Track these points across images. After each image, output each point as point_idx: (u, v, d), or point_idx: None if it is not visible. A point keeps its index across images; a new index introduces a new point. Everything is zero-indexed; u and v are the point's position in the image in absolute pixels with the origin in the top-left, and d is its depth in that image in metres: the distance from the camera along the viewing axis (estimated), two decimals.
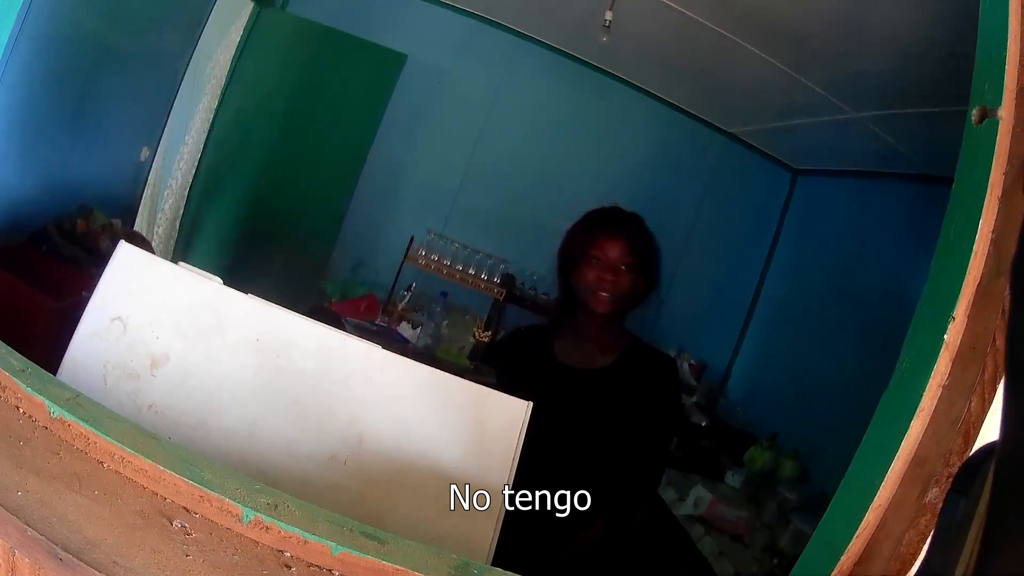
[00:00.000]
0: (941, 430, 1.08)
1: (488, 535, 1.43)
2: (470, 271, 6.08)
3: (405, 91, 6.09)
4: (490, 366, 3.09)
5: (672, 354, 5.87)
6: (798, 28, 4.05)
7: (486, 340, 5.66)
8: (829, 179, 6.16)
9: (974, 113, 1.15)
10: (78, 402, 1.23)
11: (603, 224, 2.82)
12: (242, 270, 4.72)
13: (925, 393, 1.11)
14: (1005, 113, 1.11)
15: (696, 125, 6.39)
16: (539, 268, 6.22)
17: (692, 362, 6.20)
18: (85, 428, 1.17)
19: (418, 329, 5.62)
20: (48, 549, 0.95)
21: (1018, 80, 1.12)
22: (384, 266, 6.25)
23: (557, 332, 2.88)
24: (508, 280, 6.16)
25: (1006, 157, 1.11)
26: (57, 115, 3.79)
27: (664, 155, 6.47)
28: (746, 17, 4.22)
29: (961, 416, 1.04)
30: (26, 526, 0.97)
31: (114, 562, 0.95)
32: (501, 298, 6.10)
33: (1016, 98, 1.11)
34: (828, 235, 5.71)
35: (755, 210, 6.51)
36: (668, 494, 4.52)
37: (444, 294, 5.98)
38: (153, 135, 5.18)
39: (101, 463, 1.16)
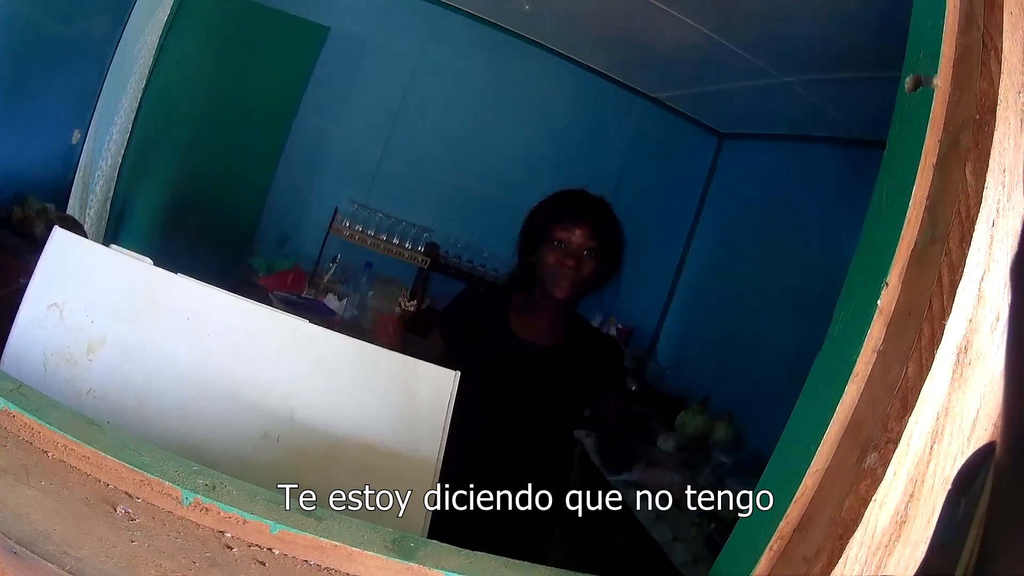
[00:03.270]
0: (877, 395, 1.09)
1: (422, 509, 1.43)
2: (394, 240, 6.11)
3: (327, 62, 6.11)
4: (443, 326, 3.10)
5: (599, 319, 5.92)
6: None
7: (412, 309, 5.67)
8: (756, 142, 6.23)
9: (907, 81, 1.15)
10: (21, 392, 1.22)
11: (569, 208, 2.82)
12: (171, 249, 4.70)
13: (859, 358, 1.12)
14: (941, 82, 1.12)
15: (619, 90, 6.45)
16: (463, 236, 6.24)
17: (619, 326, 6.24)
18: (29, 418, 1.16)
19: (344, 301, 5.62)
20: (3, 543, 0.95)
21: (956, 49, 1.13)
22: (309, 238, 6.27)
23: (511, 304, 2.90)
24: (432, 249, 6.16)
25: (942, 125, 1.12)
26: None
27: (587, 121, 6.51)
28: None
29: (898, 382, 1.05)
30: None
31: (64, 552, 0.95)
32: (426, 267, 6.11)
33: (953, 67, 1.13)
34: (756, 199, 5.77)
35: (681, 174, 6.57)
36: (599, 460, 4.55)
37: (369, 264, 5.99)
38: (84, 118, 5.13)
39: (46, 452, 1.15)
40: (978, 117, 1.07)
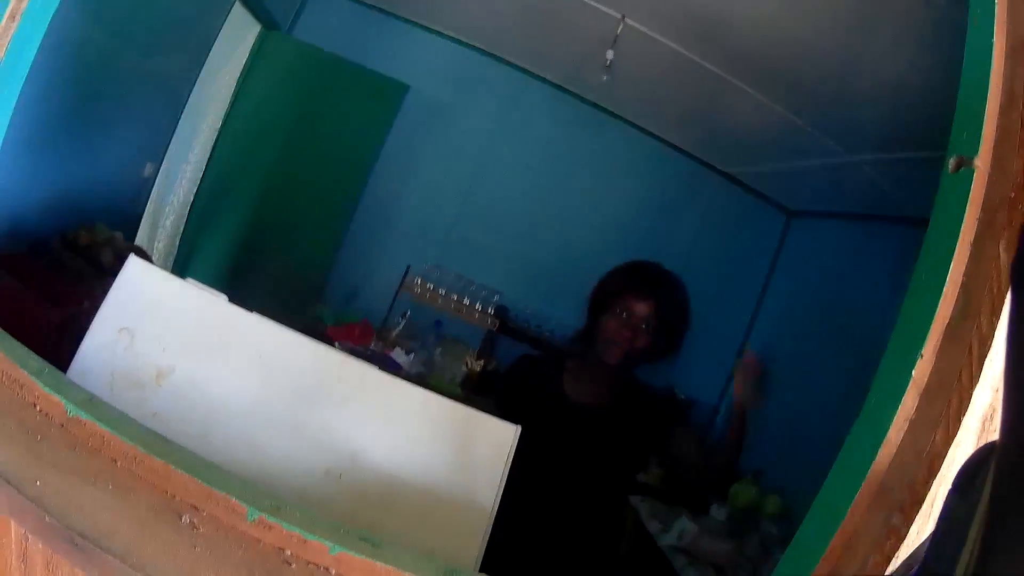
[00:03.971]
0: (906, 460, 1.12)
1: (473, 553, 1.46)
2: (464, 301, 6.11)
3: (405, 120, 6.16)
4: (497, 389, 3.12)
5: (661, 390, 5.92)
6: (794, 71, 4.10)
7: (478, 369, 5.68)
8: (823, 221, 6.17)
9: (951, 161, 1.19)
10: (93, 403, 1.28)
11: (639, 280, 2.84)
12: (237, 291, 4.76)
13: (892, 426, 1.15)
14: (981, 163, 1.15)
15: (692, 164, 6.43)
16: (531, 301, 6.25)
17: (681, 398, 6.21)
18: (100, 428, 1.23)
19: (411, 356, 5.64)
20: (65, 535, 1.01)
21: (996, 131, 1.16)
22: (379, 294, 6.30)
23: (566, 366, 2.92)
24: (501, 311, 6.18)
25: (980, 205, 1.15)
26: (64, 129, 3.81)
27: (659, 193, 6.51)
28: (743, 59, 4.28)
29: (926, 448, 1.08)
30: (44, 513, 1.02)
31: (127, 550, 1.01)
32: (495, 329, 6.11)
33: (993, 148, 1.16)
34: (821, 276, 5.73)
35: (749, 250, 6.53)
36: (653, 525, 4.55)
37: (438, 323, 6.01)
38: (158, 152, 5.20)
39: (115, 461, 1.20)
40: (1013, 195, 1.10)
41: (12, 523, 1.07)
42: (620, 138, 6.42)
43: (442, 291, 6.12)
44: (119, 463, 1.21)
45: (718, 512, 4.86)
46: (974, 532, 0.85)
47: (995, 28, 1.20)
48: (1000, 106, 1.18)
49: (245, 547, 1.13)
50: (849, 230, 5.64)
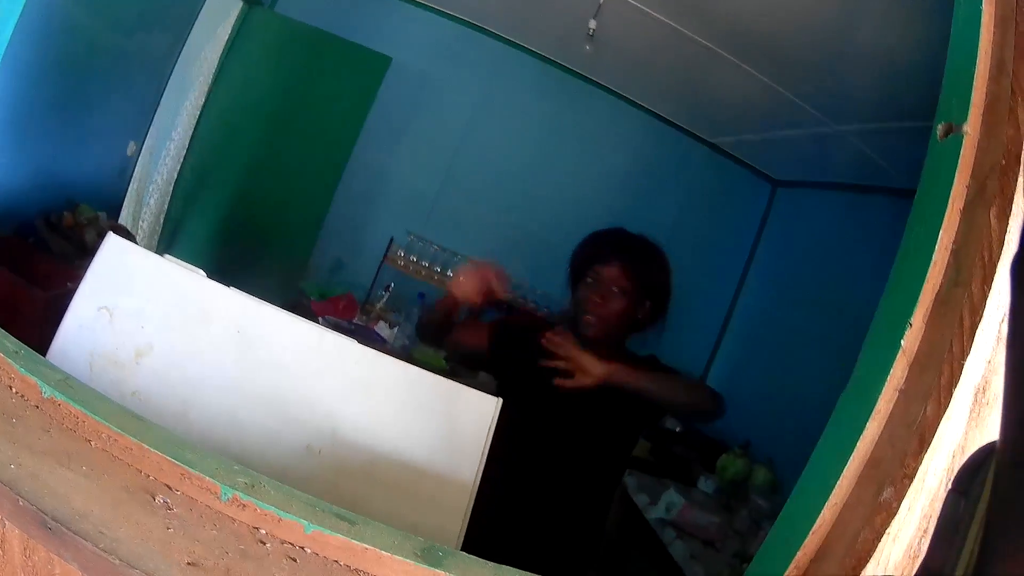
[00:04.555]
0: (897, 433, 1.10)
1: (456, 527, 1.46)
2: (448, 273, 6.09)
3: (389, 94, 6.12)
4: (492, 345, 3.08)
5: None
6: (781, 42, 4.09)
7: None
8: (810, 191, 6.17)
9: (939, 128, 1.18)
10: (68, 383, 1.26)
11: (603, 246, 2.82)
12: (223, 267, 4.73)
13: (881, 396, 1.13)
14: (971, 128, 1.13)
15: (678, 135, 6.43)
16: (516, 272, 6.23)
17: (664, 366, 6.23)
18: (75, 408, 1.20)
19: (395, 329, 5.64)
20: (38, 518, 0.99)
21: (985, 97, 1.15)
22: (363, 267, 6.31)
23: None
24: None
25: (970, 171, 1.14)
26: (47, 109, 3.80)
27: (645, 164, 6.51)
28: (729, 29, 4.26)
29: (917, 420, 1.06)
30: (18, 497, 1.00)
31: (100, 532, 0.99)
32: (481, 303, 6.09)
33: (983, 114, 1.14)
34: (807, 246, 5.74)
35: (735, 220, 6.56)
36: (640, 498, 4.55)
37: (422, 295, 6.01)
38: (140, 131, 5.19)
39: (89, 441, 1.19)
40: (1004, 163, 1.09)
41: None
42: (605, 109, 6.43)
43: (425, 263, 6.12)
44: (93, 443, 1.19)
45: (706, 485, 4.87)
46: (974, 532, 0.84)
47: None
48: (989, 73, 1.17)
49: (219, 527, 1.11)
50: (836, 200, 5.65)
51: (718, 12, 4.12)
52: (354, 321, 5.59)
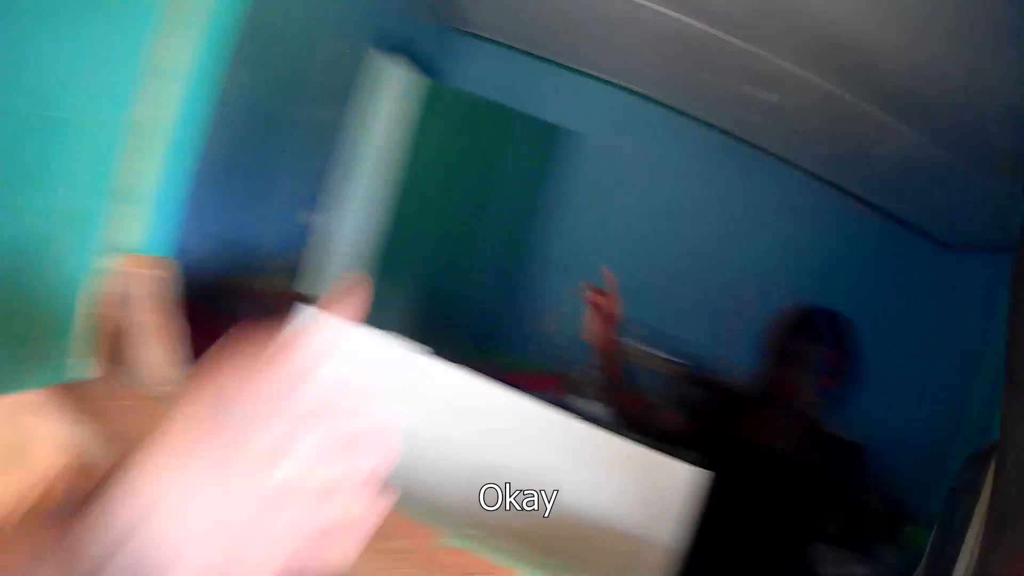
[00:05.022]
0: None
1: None
2: (651, 351, 6.14)
3: (571, 168, 6.34)
4: (686, 435, 3.12)
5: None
6: (937, 99, 4.11)
7: (667, 417, 5.71)
8: (985, 254, 6.04)
9: None
10: None
11: (808, 325, 2.87)
12: (417, 339, 4.80)
13: None
14: None
15: (849, 200, 6.49)
16: (718, 350, 6.25)
17: (856, 440, 6.13)
18: None
19: (600, 405, 5.68)
20: None
21: None
22: (563, 342, 6.36)
23: (748, 409, 2.93)
24: (686, 357, 6.21)
25: None
26: (225, 179, 3.94)
27: (822, 234, 6.54)
28: (888, 92, 4.35)
29: None
30: None
31: None
32: (684, 379, 6.10)
33: None
34: (986, 311, 5.61)
35: (912, 286, 6.45)
36: (827, 569, 4.48)
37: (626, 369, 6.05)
38: (323, 201, 5.33)
39: None
40: None
41: None
42: (777, 174, 6.47)
43: (629, 340, 6.15)
44: None
45: (887, 555, 4.76)
46: (975, 531, 0.93)
47: None
48: None
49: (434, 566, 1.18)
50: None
51: (879, 75, 4.15)
52: (558, 396, 5.61)
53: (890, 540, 4.92)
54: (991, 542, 0.81)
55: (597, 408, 5.44)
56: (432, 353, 1.74)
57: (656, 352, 6.14)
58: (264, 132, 4.21)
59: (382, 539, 1.22)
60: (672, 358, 6.13)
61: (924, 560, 1.01)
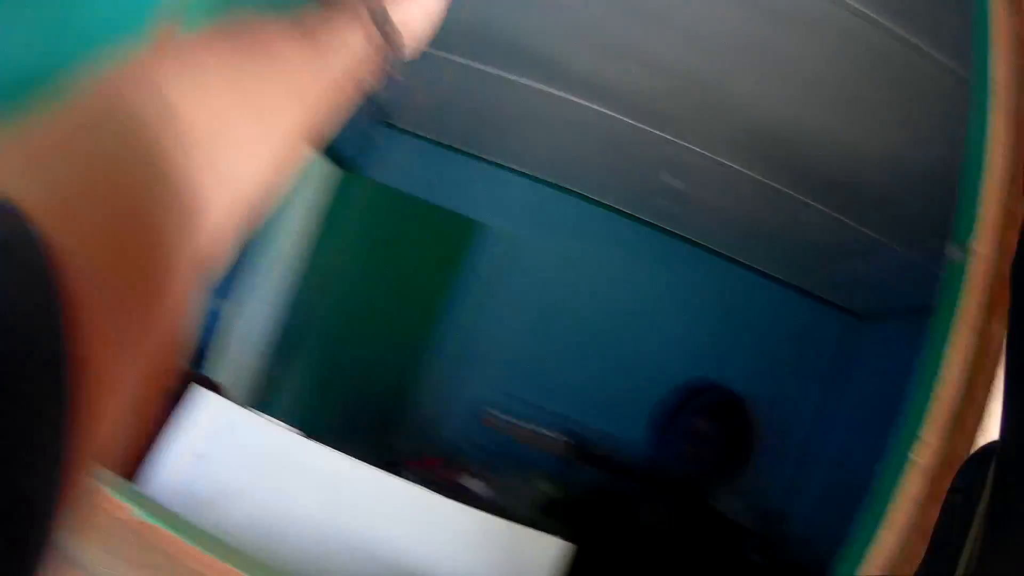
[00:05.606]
0: (910, 540, 1.18)
1: None
2: (538, 429, 6.11)
3: (481, 256, 6.33)
4: (573, 515, 3.15)
5: (733, 502, 5.90)
6: (844, 175, 4.22)
7: (553, 495, 5.68)
8: (895, 321, 6.07)
9: (953, 249, 1.25)
10: (159, 509, 1.38)
11: (692, 400, 2.89)
12: (316, 426, 4.77)
13: (898, 508, 1.22)
14: (980, 248, 1.21)
15: (759, 278, 6.48)
16: (604, 426, 6.25)
17: (757, 507, 6.15)
18: (165, 530, 1.33)
19: (486, 484, 5.66)
20: None
21: (995, 217, 1.21)
22: (456, 425, 6.34)
23: (639, 491, 2.94)
24: (575, 437, 6.19)
25: (981, 290, 1.20)
26: None
27: (733, 312, 6.46)
28: (798, 172, 4.41)
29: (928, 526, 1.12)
30: None
31: None
32: (569, 455, 6.11)
33: (992, 233, 1.21)
34: (898, 377, 5.65)
35: (820, 359, 6.49)
36: None
37: (514, 452, 6.03)
38: (228, 288, 5.34)
39: (187, 565, 1.31)
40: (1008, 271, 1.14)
41: None
42: (684, 257, 6.51)
43: (515, 420, 6.15)
44: (191, 567, 1.31)
45: None
46: (974, 532, 0.88)
47: (994, 106, 1.25)
48: (999, 191, 1.24)
49: None
50: (920, 325, 5.56)
51: (788, 156, 4.24)
52: (447, 478, 5.61)
53: None
54: (991, 542, 0.84)
55: (479, 486, 5.48)
56: (323, 440, 1.77)
57: (546, 432, 6.13)
58: None
59: None
60: (563, 437, 6.13)
61: (924, 560, 1.04)
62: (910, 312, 5.76)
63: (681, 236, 6.44)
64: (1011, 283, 0.93)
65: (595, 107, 4.66)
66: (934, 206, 4.02)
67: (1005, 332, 1.11)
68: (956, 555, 0.89)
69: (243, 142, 0.59)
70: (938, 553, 0.97)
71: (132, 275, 0.46)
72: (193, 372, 4.65)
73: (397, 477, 1.73)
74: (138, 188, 0.47)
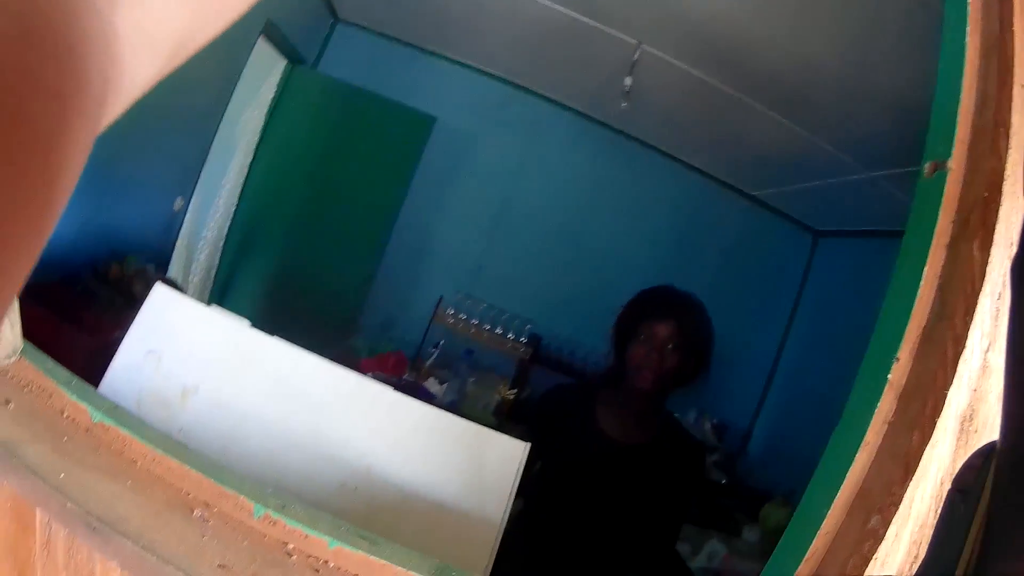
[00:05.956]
0: (884, 463, 1.14)
1: (482, 566, 1.50)
2: (497, 331, 6.18)
3: (434, 152, 6.23)
4: (529, 418, 3.15)
5: (694, 415, 5.95)
6: (806, 89, 4.17)
7: (511, 398, 5.69)
8: (849, 239, 6.20)
9: (926, 166, 1.21)
10: (116, 411, 1.36)
11: (655, 303, 2.86)
12: (272, 322, 4.77)
13: (870, 428, 1.17)
14: (955, 164, 1.17)
15: (717, 188, 6.52)
16: (564, 329, 6.28)
17: (714, 422, 6.23)
18: (123, 432, 1.30)
19: (444, 385, 5.66)
20: (84, 520, 1.08)
21: (970, 132, 1.19)
22: (412, 325, 6.39)
23: (599, 398, 2.93)
24: (533, 340, 6.25)
25: (955, 206, 1.17)
26: (93, 164, 3.89)
27: (686, 218, 6.59)
28: (757, 80, 4.35)
29: (903, 450, 1.10)
30: (66, 500, 1.10)
31: (140, 534, 1.08)
32: (527, 358, 6.17)
33: (968, 150, 1.18)
34: (849, 295, 5.72)
35: (777, 271, 6.59)
36: (683, 548, 4.56)
37: (470, 352, 6.06)
38: (187, 187, 5.26)
39: (135, 462, 1.28)
40: (987, 195, 1.13)
41: (37, 512, 1.14)
42: (645, 163, 6.53)
43: (474, 321, 6.18)
44: (139, 463, 1.29)
45: (750, 534, 4.88)
46: (974, 532, 0.88)
47: (968, 27, 1.23)
48: (974, 107, 1.21)
49: (250, 539, 1.20)
50: (876, 247, 5.62)
51: (748, 64, 4.19)
52: (404, 378, 5.63)
53: (749, 517, 5.05)
54: (991, 542, 0.83)
55: (436, 386, 5.50)
56: (279, 336, 1.74)
57: (501, 333, 6.15)
58: (129, 119, 4.10)
59: (187, 508, 1.26)
60: (521, 339, 6.15)
61: (924, 560, 1.02)
62: (864, 233, 5.81)
63: (640, 140, 6.42)
64: (1011, 283, 0.92)
65: (551, 4, 4.59)
66: (890, 129, 4.07)
67: (986, 258, 1.09)
68: (956, 555, 0.89)
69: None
70: (938, 553, 0.96)
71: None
72: (159, 274, 4.63)
73: (357, 373, 1.70)
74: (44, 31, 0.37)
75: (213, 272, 5.84)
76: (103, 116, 0.46)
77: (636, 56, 4.54)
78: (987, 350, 1.09)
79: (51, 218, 0.38)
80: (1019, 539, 0.80)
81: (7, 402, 1.34)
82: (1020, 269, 0.90)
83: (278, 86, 5.94)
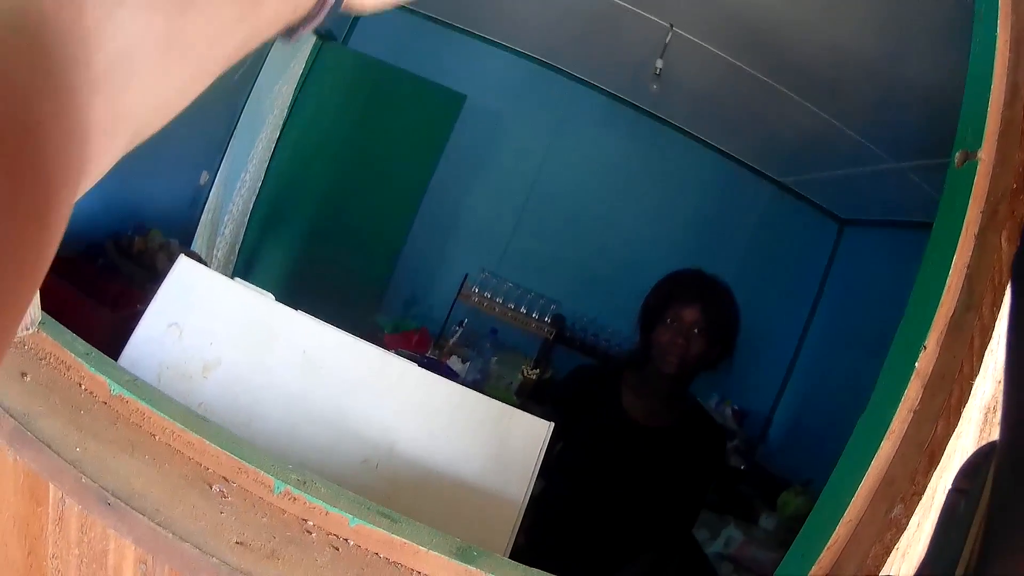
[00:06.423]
0: (909, 452, 1.13)
1: (503, 542, 1.50)
2: (521, 310, 6.16)
3: (464, 131, 6.18)
4: (553, 398, 3.15)
5: (716, 399, 5.92)
6: (837, 78, 4.15)
7: (533, 378, 5.68)
8: (874, 229, 6.19)
9: (956, 156, 1.20)
10: (136, 384, 1.35)
11: (683, 287, 2.85)
12: (297, 297, 4.77)
13: (895, 417, 1.17)
14: (984, 155, 1.17)
15: (746, 173, 6.49)
16: (588, 310, 6.26)
17: (735, 408, 6.22)
18: (142, 405, 1.30)
19: (467, 364, 5.65)
20: (99, 495, 1.08)
21: (1000, 124, 1.18)
22: (437, 302, 6.39)
23: (624, 380, 2.92)
24: (558, 321, 6.23)
25: (984, 197, 1.17)
26: None
27: (713, 201, 6.55)
28: (789, 67, 4.33)
29: (928, 439, 1.09)
30: (81, 474, 1.10)
31: (156, 510, 1.08)
32: (551, 338, 6.16)
33: (997, 141, 1.17)
34: (873, 285, 5.69)
35: (802, 259, 6.58)
36: (701, 533, 4.56)
37: (494, 331, 6.04)
38: (213, 162, 5.27)
39: (153, 435, 1.28)
40: (1015, 186, 1.12)
41: (51, 487, 1.14)
42: (674, 147, 6.50)
43: (499, 300, 6.17)
44: (157, 437, 1.29)
45: (767, 521, 4.86)
46: (974, 532, 0.86)
47: (999, 20, 1.21)
48: (1004, 98, 1.20)
49: (269, 515, 1.19)
50: (901, 238, 5.59)
51: (780, 50, 4.18)
52: (427, 355, 5.63)
53: (767, 505, 5.03)
54: (991, 542, 0.82)
55: (459, 365, 5.48)
56: (292, 307, 1.73)
57: (525, 312, 6.14)
58: None
59: (205, 483, 1.26)
60: (546, 319, 6.13)
61: (924, 560, 1.02)
62: (889, 223, 5.78)
63: (670, 123, 6.39)
64: (1011, 283, 0.91)
65: None
66: (919, 120, 4.04)
67: (1013, 249, 1.08)
68: (956, 555, 0.88)
69: (155, 75, 0.52)
70: (938, 553, 0.95)
71: None
72: (182, 248, 4.63)
73: (382, 349, 1.70)
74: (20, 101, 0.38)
75: (237, 247, 5.84)
76: (62, 201, 0.45)
77: (668, 39, 4.52)
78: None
79: None
80: (1019, 539, 0.79)
81: (23, 375, 1.34)
82: (1020, 268, 0.89)
83: (307, 62, 5.93)
